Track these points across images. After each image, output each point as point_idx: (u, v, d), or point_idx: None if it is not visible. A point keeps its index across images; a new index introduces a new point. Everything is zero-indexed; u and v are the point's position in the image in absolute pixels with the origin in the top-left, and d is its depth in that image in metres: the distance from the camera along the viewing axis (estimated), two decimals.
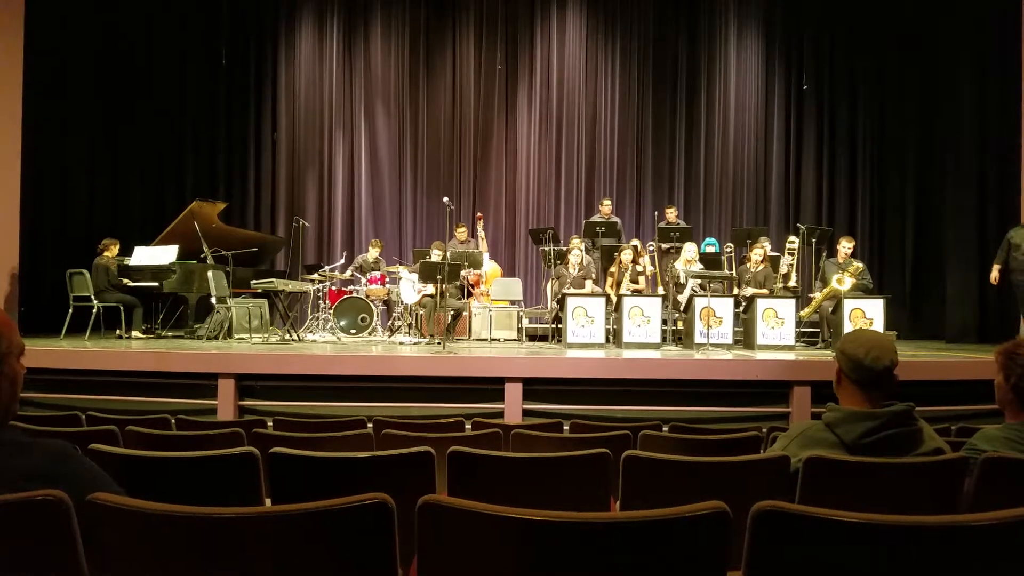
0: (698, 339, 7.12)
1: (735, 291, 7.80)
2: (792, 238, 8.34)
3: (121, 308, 7.72)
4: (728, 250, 8.88)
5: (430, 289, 7.49)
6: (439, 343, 7.02)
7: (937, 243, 10.04)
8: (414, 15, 11.25)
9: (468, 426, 3.68)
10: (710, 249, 9.02)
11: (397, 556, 1.43)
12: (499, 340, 8.41)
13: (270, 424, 3.65)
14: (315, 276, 8.80)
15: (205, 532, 1.37)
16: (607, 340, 7.40)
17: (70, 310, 7.65)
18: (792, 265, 8.08)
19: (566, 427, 3.91)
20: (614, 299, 7.69)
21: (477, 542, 1.36)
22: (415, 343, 7.50)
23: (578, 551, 1.33)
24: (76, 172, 9.71)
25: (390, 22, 11.27)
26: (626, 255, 8.06)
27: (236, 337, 7.66)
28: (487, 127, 11.30)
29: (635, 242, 8.78)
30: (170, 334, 8.38)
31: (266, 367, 5.79)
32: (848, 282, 7.33)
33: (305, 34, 11.25)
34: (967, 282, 9.28)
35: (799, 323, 7.51)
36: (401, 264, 9.24)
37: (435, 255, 7.84)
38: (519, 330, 8.51)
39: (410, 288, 7.98)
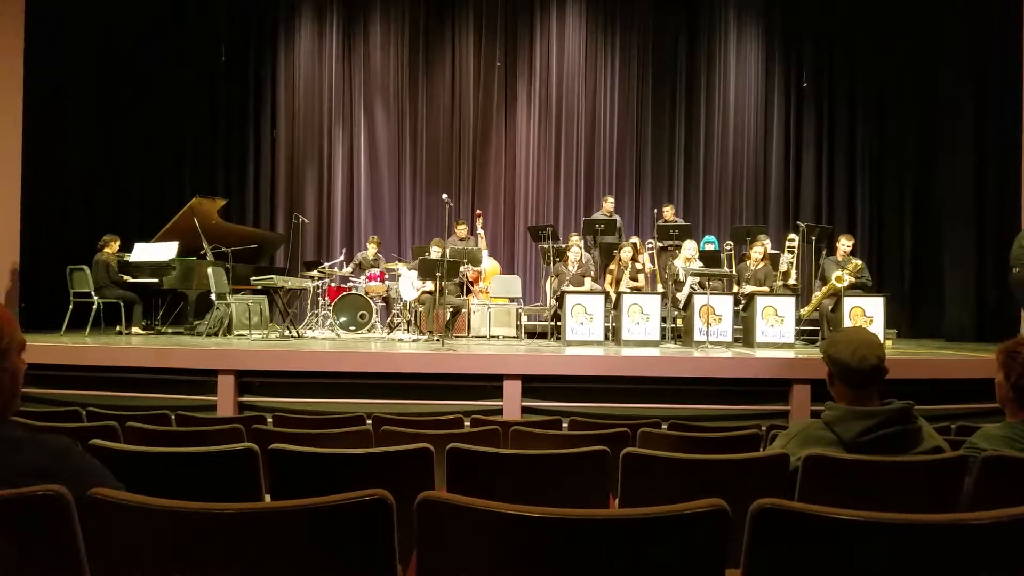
0: (697, 337, 7.12)
1: (734, 289, 7.81)
2: (792, 236, 8.34)
3: (121, 304, 7.72)
4: (727, 248, 8.87)
5: (429, 286, 7.50)
6: (438, 340, 7.02)
7: (936, 242, 10.05)
8: (413, 12, 11.24)
9: (467, 423, 3.68)
10: (709, 247, 9.02)
11: (396, 552, 1.43)
12: (498, 337, 8.42)
13: (270, 420, 3.65)
14: (314, 273, 8.80)
15: (205, 528, 1.37)
16: (606, 338, 7.40)
17: (70, 306, 7.65)
18: (792, 263, 8.08)
19: (565, 424, 3.91)
20: (613, 297, 7.70)
21: (476, 539, 1.37)
22: (414, 340, 7.50)
23: (577, 548, 1.33)
24: (76, 169, 9.70)
25: (389, 19, 11.26)
26: (626, 253, 8.06)
27: (236, 334, 7.66)
28: (486, 124, 11.29)
29: (634, 240, 8.78)
30: (170, 330, 8.38)
31: (266, 364, 5.79)
32: (847, 280, 7.35)
33: (304, 31, 11.23)
34: (966, 281, 9.28)
35: (799, 321, 7.51)
36: (400, 261, 9.24)
37: (434, 252, 7.84)
38: (518, 327, 8.51)
39: (409, 285, 7.99)
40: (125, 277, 7.91)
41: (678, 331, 7.94)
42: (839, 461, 2.00)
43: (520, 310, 8.68)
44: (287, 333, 7.79)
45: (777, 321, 7.16)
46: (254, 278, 7.88)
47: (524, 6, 11.27)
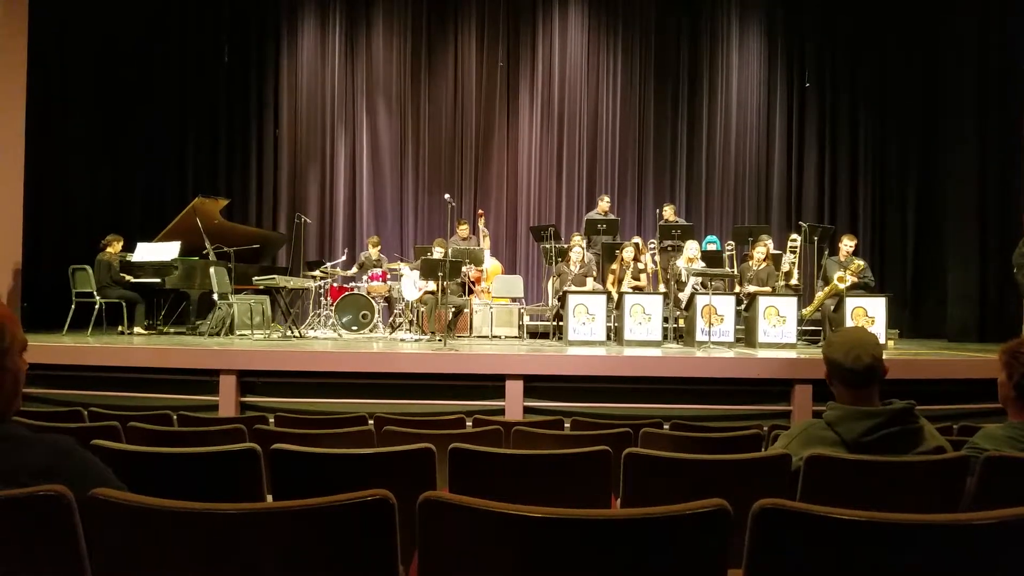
0: (699, 337, 7.11)
1: (736, 289, 7.80)
2: (794, 236, 8.33)
3: (123, 304, 7.73)
4: (729, 248, 8.86)
5: (431, 286, 7.50)
6: (440, 340, 7.02)
7: (938, 242, 10.04)
8: (416, 11, 11.25)
9: (469, 423, 3.68)
10: (711, 247, 9.01)
11: (398, 552, 1.43)
12: (500, 337, 8.41)
13: (271, 420, 3.65)
14: (316, 273, 8.80)
15: (207, 528, 1.37)
16: (608, 338, 7.40)
17: (72, 306, 7.66)
18: (794, 263, 8.07)
19: (567, 424, 3.91)
20: (615, 297, 7.69)
21: (478, 539, 1.37)
22: (416, 340, 7.50)
23: (579, 548, 1.33)
24: (79, 168, 9.72)
25: (392, 18, 11.26)
26: (628, 252, 8.06)
27: (238, 333, 7.67)
28: (488, 124, 11.29)
29: (636, 239, 8.78)
30: (172, 330, 8.38)
31: (268, 363, 5.80)
32: (850, 280, 7.34)
33: (307, 31, 11.24)
34: (968, 281, 9.27)
35: (801, 321, 7.50)
36: (403, 261, 9.24)
37: (437, 252, 7.84)
38: (520, 327, 8.51)
39: (411, 285, 7.99)
40: (127, 277, 7.92)
41: (680, 331, 7.93)
42: (841, 461, 2.00)
43: (522, 310, 8.68)
44: (289, 333, 7.80)
45: (779, 321, 7.16)
46: (256, 278, 7.89)
47: (526, 6, 11.27)
